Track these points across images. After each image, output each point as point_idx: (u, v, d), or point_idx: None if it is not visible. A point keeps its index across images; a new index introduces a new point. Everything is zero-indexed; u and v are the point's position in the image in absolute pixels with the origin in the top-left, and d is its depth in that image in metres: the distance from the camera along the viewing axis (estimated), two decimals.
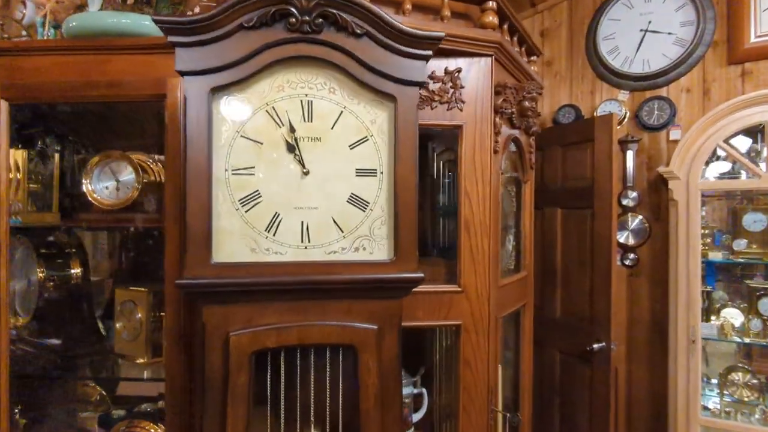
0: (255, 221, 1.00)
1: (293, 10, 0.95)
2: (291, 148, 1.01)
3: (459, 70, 1.50)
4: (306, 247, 1.02)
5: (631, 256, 2.72)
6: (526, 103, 1.68)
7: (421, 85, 1.01)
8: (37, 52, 1.38)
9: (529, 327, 1.93)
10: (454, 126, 1.51)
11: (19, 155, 1.64)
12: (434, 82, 1.50)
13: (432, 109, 1.50)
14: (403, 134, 1.01)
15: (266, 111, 1.00)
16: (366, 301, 1.02)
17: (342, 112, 1.03)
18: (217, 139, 0.99)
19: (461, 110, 1.51)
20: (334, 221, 1.02)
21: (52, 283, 1.64)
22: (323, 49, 0.98)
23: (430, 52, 0.99)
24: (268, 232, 1.00)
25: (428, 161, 1.95)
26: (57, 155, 1.70)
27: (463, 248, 1.50)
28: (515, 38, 1.75)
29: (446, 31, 1.26)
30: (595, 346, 2.37)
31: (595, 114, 2.84)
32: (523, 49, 1.86)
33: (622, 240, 2.71)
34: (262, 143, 1.01)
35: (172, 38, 0.91)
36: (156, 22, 0.90)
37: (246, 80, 0.98)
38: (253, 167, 1.00)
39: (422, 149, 2.02)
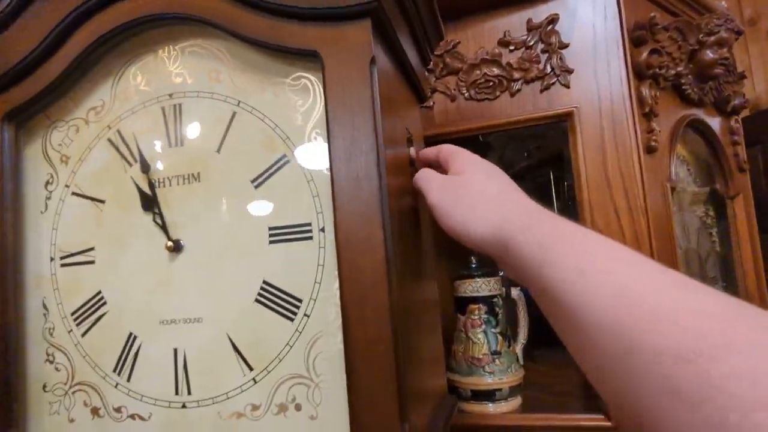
0: (97, 353, 0.51)
1: None
2: (147, 202, 0.51)
3: (553, 19, 0.84)
4: (184, 405, 0.48)
5: None
6: (709, 53, 0.90)
7: (372, 11, 0.42)
8: None
9: None
10: (556, 117, 0.84)
11: None
12: (510, 50, 0.87)
13: (512, 95, 0.86)
14: (346, 136, 0.42)
15: (108, 140, 0.53)
16: None
17: (235, 113, 0.49)
18: (35, 204, 0.54)
19: (567, 86, 0.83)
20: (234, 345, 0.47)
21: None
22: None
23: None
24: (119, 373, 0.50)
25: (546, 189, 1.26)
26: None
27: None
28: None
29: None
30: None
31: None
32: None
33: None
34: (104, 201, 0.53)
35: None
36: None
37: (66, 89, 0.53)
38: (93, 248, 0.53)
39: (529, 176, 1.33)
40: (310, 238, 0.46)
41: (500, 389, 0.87)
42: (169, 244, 0.49)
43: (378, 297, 0.40)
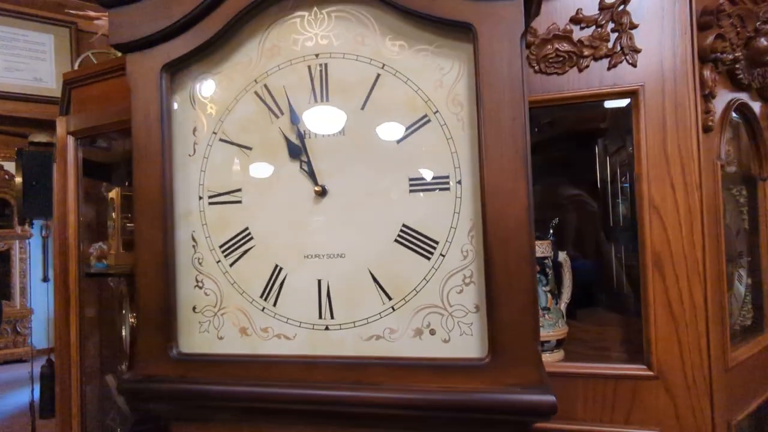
0: (245, 281, 0.59)
1: None
2: (294, 150, 0.57)
3: (625, 0, 0.89)
4: (327, 327, 0.56)
5: None
6: (763, 41, 0.96)
7: None
8: (94, 78, 1.23)
9: None
10: (623, 93, 0.90)
11: (114, 192, 1.56)
12: (581, 27, 0.92)
13: (580, 71, 0.92)
14: (496, 102, 0.49)
15: (255, 93, 0.59)
16: None
17: (379, 75, 0.55)
18: (183, 147, 0.61)
19: (634, 65, 0.89)
20: (374, 278, 0.55)
21: None
22: None
23: None
24: (265, 299, 0.58)
25: (593, 164, 1.33)
26: None
27: (654, 300, 0.87)
28: None
29: None
30: None
31: None
32: None
33: None
34: (250, 148, 0.59)
35: None
36: None
37: (216, 44, 0.59)
38: (239, 189, 0.59)
39: (584, 149, 1.39)
40: (448, 189, 0.53)
41: (548, 341, 0.96)
42: (317, 188, 0.56)
43: (521, 242, 0.48)
